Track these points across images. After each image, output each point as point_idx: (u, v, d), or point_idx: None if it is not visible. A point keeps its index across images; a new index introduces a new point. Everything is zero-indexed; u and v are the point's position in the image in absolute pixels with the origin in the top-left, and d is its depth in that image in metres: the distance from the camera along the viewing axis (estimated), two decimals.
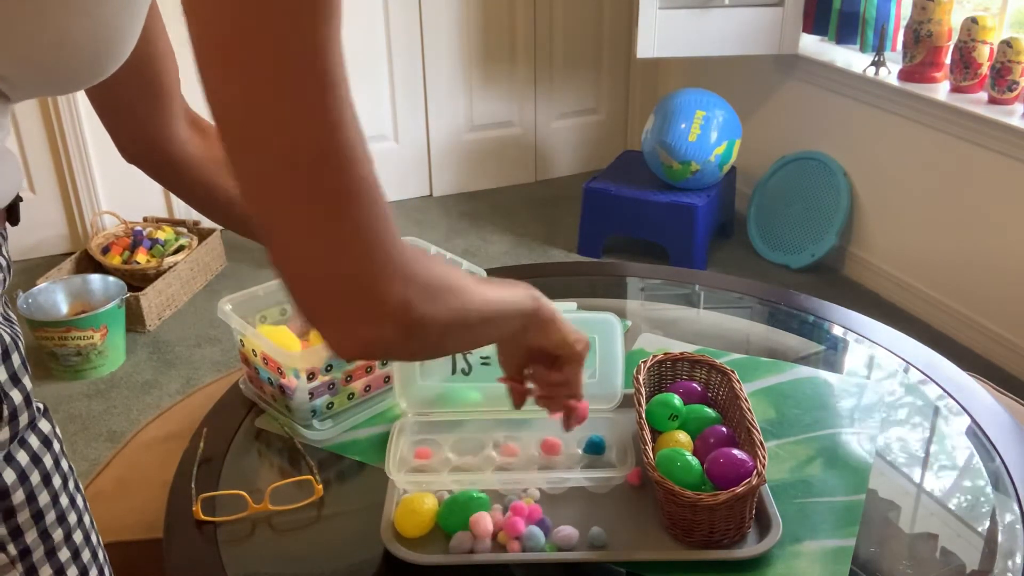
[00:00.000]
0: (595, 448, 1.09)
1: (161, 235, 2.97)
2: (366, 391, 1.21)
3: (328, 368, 1.15)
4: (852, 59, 2.95)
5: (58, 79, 0.63)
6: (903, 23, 2.80)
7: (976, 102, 2.55)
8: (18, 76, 0.60)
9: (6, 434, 0.63)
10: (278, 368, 1.14)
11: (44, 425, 0.68)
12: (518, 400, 0.93)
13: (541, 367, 0.89)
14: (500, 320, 0.74)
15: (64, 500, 0.69)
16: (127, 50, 0.65)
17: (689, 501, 0.93)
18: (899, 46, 2.85)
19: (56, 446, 0.69)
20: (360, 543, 1.00)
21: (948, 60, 2.67)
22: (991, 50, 2.54)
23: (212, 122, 0.53)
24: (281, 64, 0.50)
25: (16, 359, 0.64)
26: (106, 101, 0.83)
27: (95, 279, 2.67)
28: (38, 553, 0.66)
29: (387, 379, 1.23)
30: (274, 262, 0.56)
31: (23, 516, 0.65)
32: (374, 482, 1.07)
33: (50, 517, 0.67)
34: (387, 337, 0.58)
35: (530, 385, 0.92)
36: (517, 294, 0.77)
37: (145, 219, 3.13)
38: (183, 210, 3.27)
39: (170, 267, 2.86)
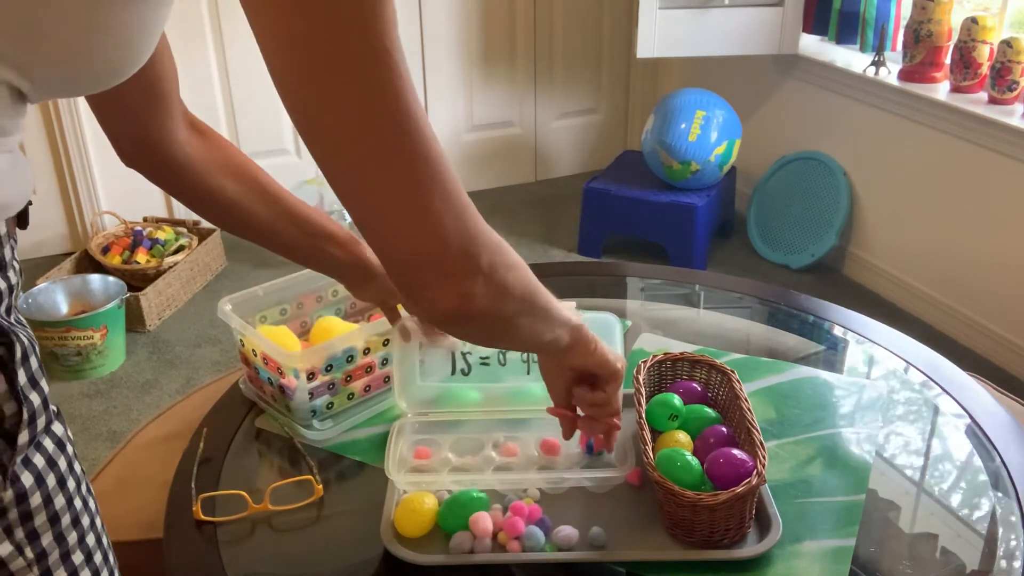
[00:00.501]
0: (590, 450, 1.09)
1: (161, 235, 2.97)
2: (366, 391, 1.21)
3: (328, 368, 1.15)
4: (852, 59, 2.95)
5: (81, 81, 0.63)
6: (903, 23, 2.80)
7: (976, 102, 2.54)
8: (44, 78, 0.60)
9: (25, 437, 0.63)
10: (278, 368, 1.14)
11: (58, 427, 0.68)
12: (568, 430, 0.98)
13: (583, 388, 0.94)
14: (557, 320, 0.81)
15: (78, 503, 0.69)
16: (149, 52, 0.66)
17: (689, 501, 0.93)
18: (899, 46, 2.85)
19: (69, 448, 0.69)
20: (360, 543, 1.00)
21: (948, 60, 2.67)
22: (991, 50, 2.54)
23: (294, 123, 0.59)
24: (356, 65, 0.56)
25: (34, 362, 0.64)
26: (105, 104, 0.83)
27: (95, 279, 2.67)
28: (54, 556, 0.66)
29: (387, 379, 1.23)
30: (371, 241, 0.63)
31: (40, 519, 0.65)
32: (374, 482, 1.07)
33: (65, 520, 0.67)
34: (479, 294, 0.65)
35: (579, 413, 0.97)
36: (565, 307, 0.83)
37: (145, 219, 3.13)
38: (183, 210, 3.27)
39: (170, 267, 2.86)
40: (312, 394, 1.15)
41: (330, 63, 0.55)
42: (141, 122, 0.85)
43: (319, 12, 0.54)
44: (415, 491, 1.02)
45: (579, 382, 0.94)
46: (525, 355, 1.16)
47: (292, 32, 0.55)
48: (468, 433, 1.12)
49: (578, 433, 1.02)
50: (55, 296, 2.62)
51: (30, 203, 0.68)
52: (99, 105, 0.83)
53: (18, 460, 0.63)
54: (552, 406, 0.98)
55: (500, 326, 0.73)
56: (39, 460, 0.65)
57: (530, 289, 0.73)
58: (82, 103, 3.01)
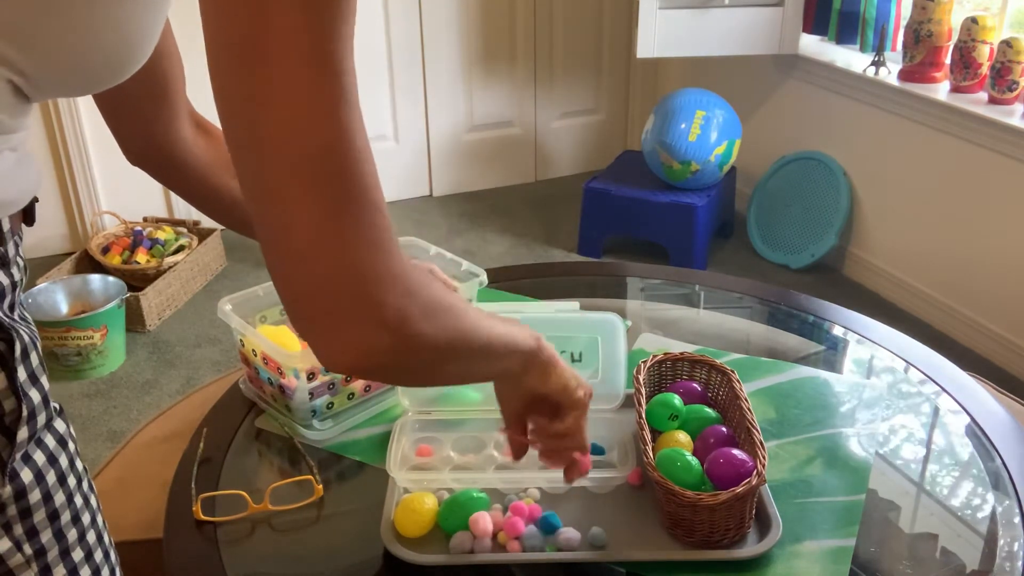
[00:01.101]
0: (595, 451, 1.09)
1: (161, 235, 2.97)
2: (366, 391, 1.22)
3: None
4: (852, 59, 2.95)
5: (81, 79, 0.63)
6: (903, 23, 2.80)
7: (976, 102, 2.55)
8: (43, 76, 0.60)
9: (24, 434, 0.63)
10: (278, 368, 1.14)
11: (60, 425, 0.68)
12: (516, 452, 0.90)
13: (542, 418, 0.86)
14: (499, 355, 0.73)
15: (78, 500, 0.69)
16: (149, 50, 0.66)
17: (689, 501, 0.93)
18: (899, 46, 2.85)
19: (71, 446, 0.69)
20: (360, 543, 1.00)
21: (948, 60, 2.67)
22: (991, 50, 2.54)
23: (219, 119, 0.54)
24: (294, 63, 0.51)
25: (35, 359, 0.64)
26: (111, 102, 0.83)
27: (95, 279, 2.67)
28: (52, 553, 0.66)
29: None
30: (270, 261, 0.56)
31: (39, 516, 0.65)
32: (374, 482, 1.07)
33: (65, 517, 0.67)
34: (382, 347, 0.57)
35: (531, 438, 0.89)
36: (519, 332, 0.75)
37: (145, 219, 3.13)
38: (183, 210, 3.27)
39: (170, 267, 2.86)
40: (312, 394, 1.15)
41: (271, 57, 0.51)
42: (147, 121, 0.85)
43: (261, 12, 0.50)
44: (416, 489, 1.02)
45: (537, 410, 0.86)
46: None
47: (234, 21, 0.51)
48: (469, 432, 1.12)
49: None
50: (55, 296, 2.62)
51: (37, 200, 0.68)
52: (105, 103, 0.83)
53: (17, 456, 0.63)
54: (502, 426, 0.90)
55: (420, 376, 0.67)
56: (39, 457, 0.65)
57: (460, 334, 0.64)
58: (82, 103, 3.01)
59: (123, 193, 3.16)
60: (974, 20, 2.55)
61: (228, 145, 0.54)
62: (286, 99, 0.51)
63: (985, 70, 2.56)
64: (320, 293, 0.55)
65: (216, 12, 0.51)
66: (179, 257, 2.91)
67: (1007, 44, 2.46)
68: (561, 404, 0.85)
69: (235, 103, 0.52)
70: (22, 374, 0.62)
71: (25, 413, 0.63)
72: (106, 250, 2.92)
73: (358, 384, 1.20)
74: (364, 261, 0.55)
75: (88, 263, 2.93)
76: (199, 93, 0.83)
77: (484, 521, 0.97)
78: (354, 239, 0.54)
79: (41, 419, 0.65)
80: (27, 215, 0.68)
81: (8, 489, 0.62)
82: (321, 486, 1.07)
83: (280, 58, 0.51)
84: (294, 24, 0.50)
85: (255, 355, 1.18)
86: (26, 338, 0.63)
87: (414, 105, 3.61)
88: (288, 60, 0.51)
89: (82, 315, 2.50)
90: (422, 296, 0.59)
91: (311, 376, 1.13)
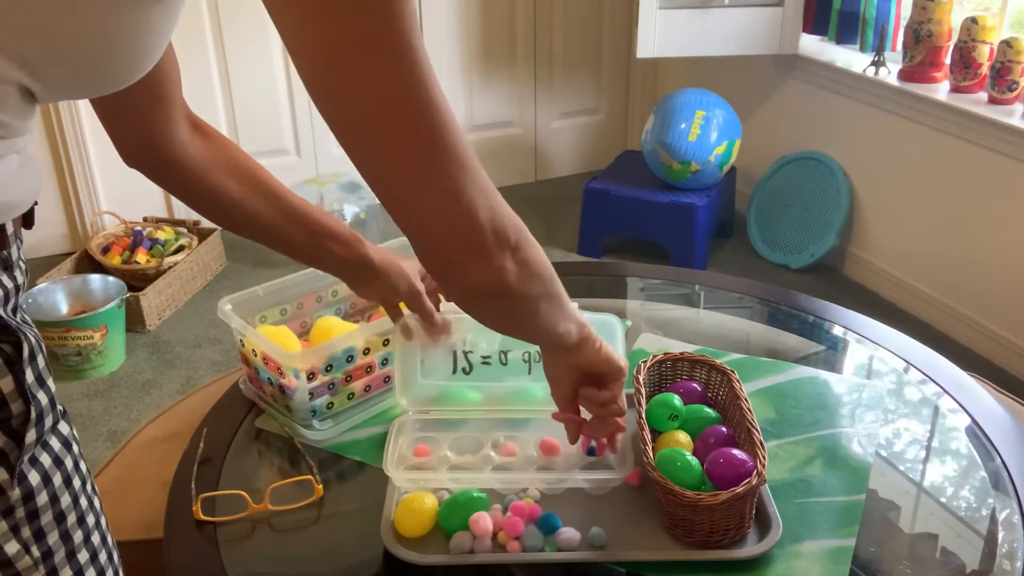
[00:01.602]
0: (592, 452, 1.09)
1: (161, 235, 2.97)
2: (366, 391, 1.21)
3: (328, 368, 1.15)
4: (852, 59, 2.95)
5: (93, 82, 0.63)
6: (903, 23, 2.80)
7: (976, 102, 2.54)
8: (58, 77, 0.60)
9: (32, 436, 0.63)
10: (278, 368, 1.14)
11: (64, 427, 0.68)
12: (574, 434, 1.01)
13: (591, 388, 0.96)
14: (569, 313, 0.85)
15: (83, 502, 0.69)
16: (160, 54, 0.66)
17: (689, 501, 0.93)
18: (899, 46, 2.85)
19: (75, 448, 0.69)
20: (360, 543, 1.00)
21: (948, 60, 2.67)
22: (991, 50, 2.54)
23: (328, 123, 0.61)
24: (385, 65, 0.58)
25: (40, 361, 0.64)
26: (108, 104, 0.83)
27: (95, 279, 2.67)
28: (60, 555, 0.66)
29: (387, 379, 1.23)
30: (403, 223, 0.66)
31: (46, 518, 0.65)
32: (374, 482, 1.07)
33: (71, 519, 0.67)
34: (509, 269, 0.70)
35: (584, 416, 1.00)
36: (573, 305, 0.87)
37: (145, 219, 3.13)
38: (183, 210, 3.27)
39: (170, 267, 2.86)
40: (312, 394, 1.15)
41: (356, 60, 0.57)
42: (144, 123, 0.85)
43: (343, 11, 0.56)
44: (413, 488, 1.02)
45: (584, 383, 0.96)
46: (526, 355, 1.16)
47: (317, 32, 0.57)
48: (468, 432, 1.12)
49: (580, 437, 1.02)
50: (55, 296, 2.62)
51: (36, 203, 0.68)
52: (102, 106, 0.83)
53: (25, 459, 0.63)
54: (556, 411, 1.00)
55: (524, 306, 0.76)
56: (46, 459, 0.65)
57: (549, 272, 0.77)
58: (83, 103, 3.01)
59: (123, 193, 3.16)
60: (974, 20, 2.55)
61: (344, 146, 0.62)
62: (383, 96, 0.59)
63: (985, 70, 2.56)
64: (460, 241, 0.66)
65: (303, 32, 0.57)
66: (179, 257, 2.91)
67: (1007, 44, 2.46)
68: (606, 374, 0.95)
69: (342, 109, 0.60)
70: (29, 376, 0.63)
71: (33, 415, 0.63)
72: (106, 250, 2.92)
73: (358, 384, 1.20)
74: (486, 205, 0.67)
75: (88, 263, 2.93)
76: (195, 94, 0.83)
77: (484, 521, 0.97)
78: (473, 191, 0.65)
79: (48, 421, 0.65)
80: (26, 218, 0.68)
81: (17, 491, 0.62)
82: (321, 486, 1.07)
83: (368, 63, 0.58)
84: (373, 30, 0.57)
85: (255, 355, 1.18)
86: (32, 340, 0.64)
87: None
88: (377, 63, 0.58)
89: (82, 315, 2.49)
90: (524, 229, 0.72)
91: (311, 376, 1.13)
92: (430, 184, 0.64)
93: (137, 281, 2.83)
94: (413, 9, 0.59)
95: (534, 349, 1.15)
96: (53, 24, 0.57)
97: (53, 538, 0.66)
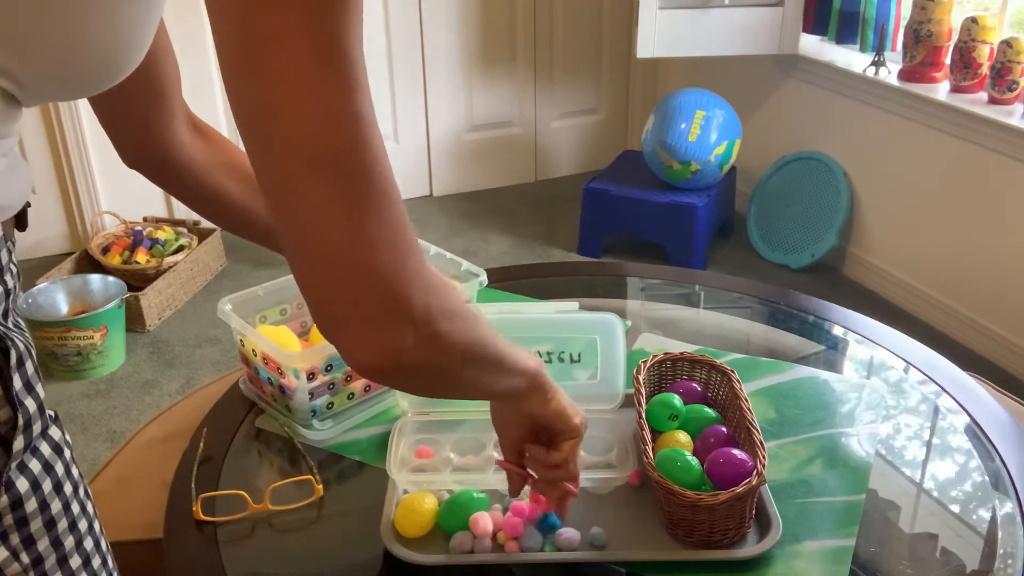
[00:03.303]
0: (549, 525, 1.00)
1: (161, 235, 2.97)
2: (366, 391, 1.21)
3: (328, 368, 1.15)
4: (852, 59, 2.95)
5: (74, 83, 0.63)
6: (903, 23, 2.80)
7: (976, 102, 2.54)
8: (34, 80, 0.60)
9: (20, 443, 0.62)
10: (278, 368, 1.14)
11: (55, 432, 0.68)
12: (515, 486, 0.92)
13: (539, 448, 0.88)
14: (509, 370, 0.74)
15: (75, 507, 0.69)
16: (143, 54, 0.65)
17: (689, 501, 0.93)
18: (899, 46, 2.85)
19: (67, 453, 0.69)
20: (360, 543, 1.00)
21: (948, 60, 2.67)
22: (991, 50, 2.54)
23: (236, 123, 0.53)
24: (303, 61, 0.51)
25: (30, 367, 0.64)
26: (107, 105, 0.83)
27: (95, 279, 2.67)
28: (50, 561, 0.66)
29: None
30: (294, 264, 0.56)
31: (36, 524, 0.65)
32: (374, 482, 1.07)
33: (62, 525, 0.67)
34: (407, 344, 0.57)
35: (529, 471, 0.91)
36: (524, 354, 0.77)
37: (145, 219, 3.13)
38: (183, 210, 3.27)
39: (170, 267, 2.86)
40: (312, 394, 1.15)
41: (281, 57, 0.51)
42: (143, 123, 0.84)
43: (271, 12, 0.50)
44: (416, 491, 1.02)
45: (534, 437, 0.88)
46: None
47: (236, 15, 0.51)
48: (469, 433, 1.12)
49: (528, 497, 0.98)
50: (55, 296, 2.62)
51: (28, 205, 0.68)
52: (100, 106, 0.83)
53: (13, 466, 0.62)
54: (499, 458, 0.92)
55: (437, 380, 0.66)
56: (35, 465, 0.64)
57: (478, 340, 0.65)
58: (83, 102, 3.00)
59: (123, 193, 3.16)
60: (974, 20, 2.55)
61: (246, 148, 0.54)
62: (298, 98, 0.51)
63: (985, 70, 2.56)
64: (349, 294, 0.55)
65: (224, 16, 0.51)
66: (179, 257, 2.91)
67: (1007, 44, 2.46)
68: (558, 431, 0.86)
69: (249, 106, 0.53)
70: (17, 383, 0.62)
71: (21, 422, 0.62)
72: (106, 250, 2.92)
73: (358, 384, 1.20)
74: (388, 258, 0.55)
75: (88, 263, 2.93)
76: (195, 94, 0.83)
77: (484, 521, 0.97)
78: (377, 237, 0.54)
79: (37, 428, 0.65)
80: (19, 220, 0.67)
81: (4, 498, 0.62)
82: (321, 486, 1.07)
83: (289, 57, 0.51)
84: (301, 21, 0.50)
85: (255, 355, 1.18)
86: (21, 346, 0.63)
87: (414, 105, 3.61)
88: (297, 58, 0.51)
89: (82, 315, 2.49)
90: (443, 296, 0.59)
91: (311, 376, 1.13)
92: (329, 213, 0.53)
93: (137, 281, 2.83)
94: (358, 15, 0.53)
95: (534, 350, 1.15)
96: (27, 27, 0.57)
97: (43, 544, 0.65)
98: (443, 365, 0.62)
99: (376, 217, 0.54)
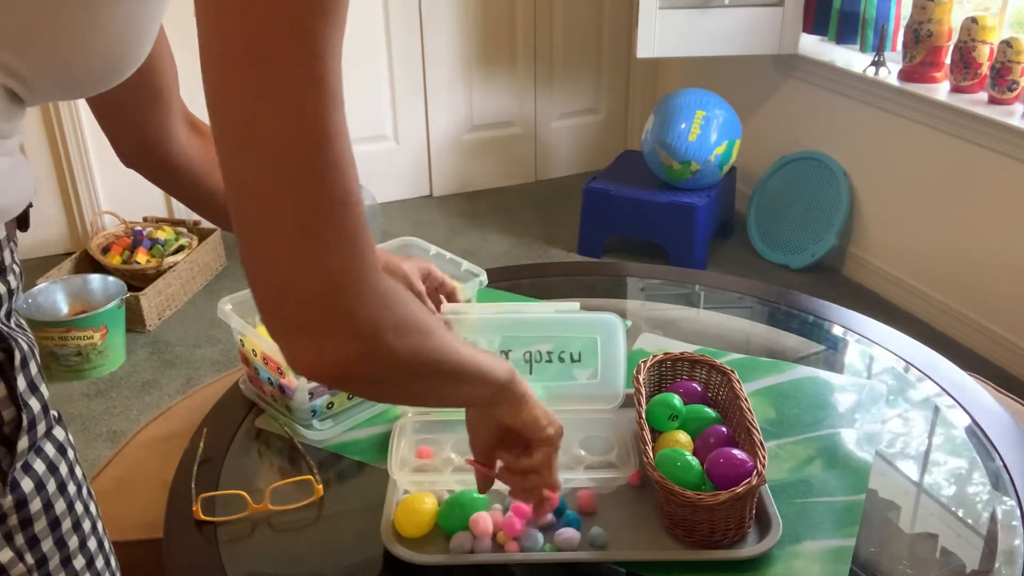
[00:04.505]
0: (571, 522, 1.01)
1: (161, 235, 2.97)
2: None
3: None
4: (852, 59, 2.95)
5: (78, 82, 0.63)
6: (903, 23, 2.80)
7: (976, 102, 2.54)
8: (39, 79, 0.60)
9: (25, 443, 0.63)
10: (278, 368, 1.14)
11: (59, 432, 0.68)
12: (481, 485, 0.90)
13: (510, 455, 0.86)
14: (469, 381, 0.72)
15: (79, 508, 0.69)
16: (146, 53, 0.66)
17: (689, 501, 0.93)
18: (899, 46, 2.85)
19: (70, 453, 0.69)
20: (360, 543, 1.00)
21: (948, 60, 2.67)
22: (991, 50, 2.54)
23: (209, 122, 0.54)
24: (283, 69, 0.51)
25: (33, 367, 0.64)
26: (105, 105, 0.83)
27: (95, 279, 2.67)
28: (54, 561, 0.66)
29: None
30: (247, 264, 0.55)
31: (40, 525, 0.65)
32: (374, 482, 1.07)
33: (66, 525, 0.67)
34: (350, 357, 0.56)
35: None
36: (494, 363, 0.76)
37: (145, 219, 3.13)
38: (183, 210, 3.27)
39: (170, 267, 2.86)
40: (312, 394, 1.15)
41: (262, 64, 0.51)
42: (140, 123, 0.84)
43: (255, 16, 0.50)
44: (416, 491, 1.02)
45: (507, 442, 0.86)
46: (527, 355, 1.16)
47: (227, 25, 0.51)
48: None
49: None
50: (55, 296, 2.62)
51: (30, 205, 0.68)
52: (98, 105, 0.83)
53: (17, 466, 0.62)
54: (469, 457, 0.90)
55: (384, 390, 0.66)
56: (39, 466, 0.65)
57: (431, 353, 0.63)
58: (82, 103, 3.01)
59: (123, 193, 3.16)
60: (974, 20, 2.55)
61: (215, 144, 0.54)
62: (273, 107, 0.51)
63: (985, 70, 2.56)
64: (295, 299, 0.54)
65: (207, 19, 0.51)
66: (179, 257, 2.91)
67: (1007, 44, 2.46)
68: (530, 439, 0.85)
69: (223, 108, 0.52)
70: (22, 383, 0.62)
71: (25, 422, 0.62)
72: (106, 250, 2.92)
73: None
74: (340, 270, 0.54)
75: (88, 263, 2.93)
76: (193, 94, 0.83)
77: (485, 521, 0.97)
78: (333, 247, 0.54)
79: (41, 428, 0.65)
80: (21, 221, 0.67)
81: (9, 499, 0.62)
82: (321, 486, 1.07)
83: (270, 64, 0.50)
84: (286, 28, 0.50)
85: (255, 355, 1.18)
86: (25, 346, 0.63)
87: (414, 105, 3.61)
88: (278, 66, 0.51)
89: (82, 315, 2.49)
90: (396, 310, 0.59)
91: None
92: (283, 220, 0.53)
93: (137, 281, 2.83)
94: (338, 35, 0.52)
95: (534, 350, 1.15)
96: (28, 26, 0.57)
97: (47, 545, 0.65)
98: (391, 377, 0.62)
99: (333, 231, 0.54)
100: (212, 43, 0.51)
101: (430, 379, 0.67)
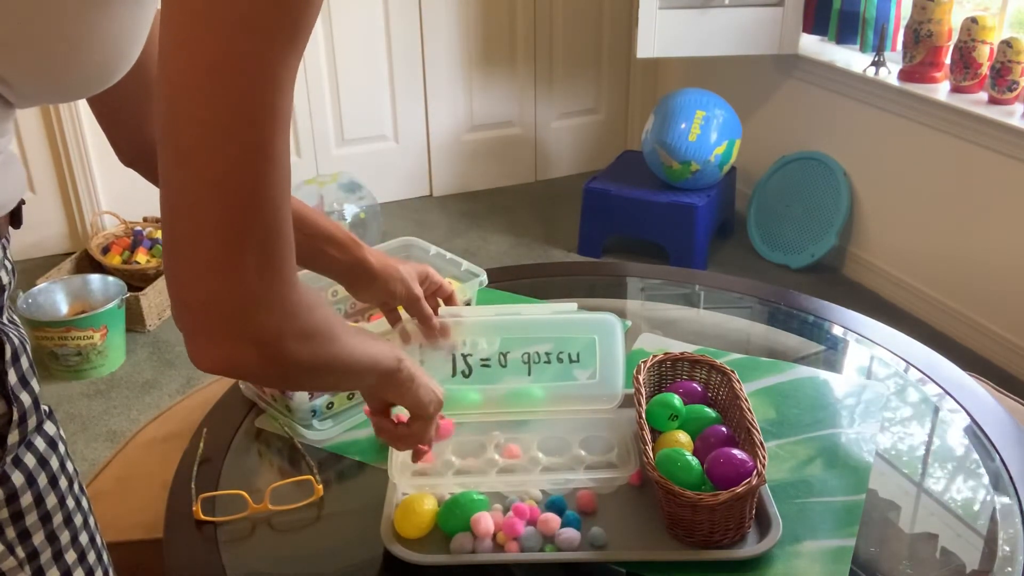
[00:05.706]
0: (570, 522, 1.01)
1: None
2: None
3: None
4: (852, 59, 2.95)
5: (67, 87, 0.63)
6: (903, 23, 2.80)
7: (976, 102, 2.54)
8: (25, 83, 0.60)
9: (15, 437, 0.63)
10: None
11: (50, 427, 0.68)
12: (378, 430, 0.94)
13: (389, 421, 0.91)
14: (359, 373, 0.77)
15: (70, 502, 0.69)
16: (135, 56, 0.66)
17: (689, 501, 0.93)
18: (899, 46, 2.85)
19: (61, 448, 0.69)
20: (360, 543, 1.00)
21: (948, 60, 2.67)
22: (991, 50, 2.54)
23: (155, 114, 0.54)
24: (238, 97, 0.52)
25: (24, 362, 0.64)
26: (103, 104, 0.83)
27: (95, 279, 2.67)
28: (46, 555, 0.66)
29: None
30: (168, 264, 0.57)
31: (31, 519, 0.65)
32: (374, 482, 1.07)
33: (57, 519, 0.67)
34: (249, 362, 0.59)
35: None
36: (382, 352, 0.79)
37: (145, 219, 3.13)
38: None
39: None
40: (312, 394, 1.15)
41: (216, 80, 0.51)
42: (139, 122, 0.84)
43: (222, 39, 0.51)
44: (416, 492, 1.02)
45: (390, 410, 0.92)
46: (525, 356, 1.16)
47: (189, 35, 0.51)
48: (469, 435, 1.12)
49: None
50: (55, 296, 2.62)
51: (23, 202, 0.68)
52: (97, 106, 0.83)
53: (8, 460, 0.63)
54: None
55: (284, 385, 0.75)
56: (30, 459, 0.65)
57: (327, 357, 0.67)
58: (82, 102, 3.00)
59: (123, 193, 3.16)
60: (974, 20, 2.55)
61: (158, 145, 0.55)
62: (221, 124, 0.52)
63: (985, 70, 2.56)
64: (205, 308, 0.56)
65: (171, 23, 0.52)
66: None
67: (1007, 44, 2.46)
68: (412, 414, 0.90)
69: (171, 114, 0.53)
70: (12, 377, 0.62)
71: (16, 416, 0.62)
72: (106, 250, 2.92)
73: None
74: (254, 286, 0.56)
75: (88, 263, 2.93)
76: None
77: (485, 522, 0.97)
78: (254, 269, 0.56)
79: (32, 422, 0.65)
80: (14, 218, 0.67)
81: (0, 492, 0.62)
82: (321, 486, 1.07)
83: (224, 90, 0.51)
84: (245, 59, 0.51)
85: None
86: (16, 341, 0.63)
87: (414, 105, 3.61)
88: (231, 94, 0.51)
89: (82, 315, 2.49)
90: (301, 321, 0.61)
91: None
92: (212, 234, 0.54)
93: (137, 281, 2.83)
94: (302, 43, 0.53)
95: (533, 351, 1.15)
96: (19, 34, 0.57)
97: (39, 539, 0.65)
98: (286, 376, 0.65)
99: (258, 254, 0.56)
100: (176, 60, 0.52)
101: (324, 376, 0.70)
